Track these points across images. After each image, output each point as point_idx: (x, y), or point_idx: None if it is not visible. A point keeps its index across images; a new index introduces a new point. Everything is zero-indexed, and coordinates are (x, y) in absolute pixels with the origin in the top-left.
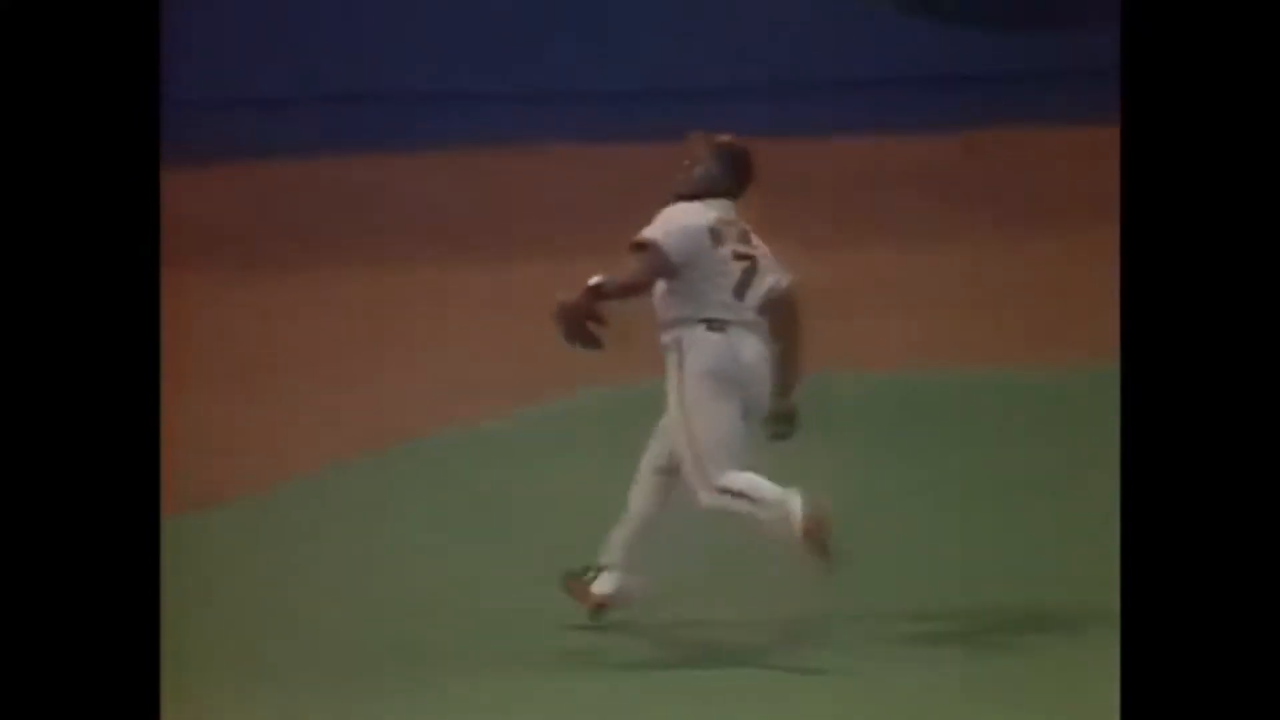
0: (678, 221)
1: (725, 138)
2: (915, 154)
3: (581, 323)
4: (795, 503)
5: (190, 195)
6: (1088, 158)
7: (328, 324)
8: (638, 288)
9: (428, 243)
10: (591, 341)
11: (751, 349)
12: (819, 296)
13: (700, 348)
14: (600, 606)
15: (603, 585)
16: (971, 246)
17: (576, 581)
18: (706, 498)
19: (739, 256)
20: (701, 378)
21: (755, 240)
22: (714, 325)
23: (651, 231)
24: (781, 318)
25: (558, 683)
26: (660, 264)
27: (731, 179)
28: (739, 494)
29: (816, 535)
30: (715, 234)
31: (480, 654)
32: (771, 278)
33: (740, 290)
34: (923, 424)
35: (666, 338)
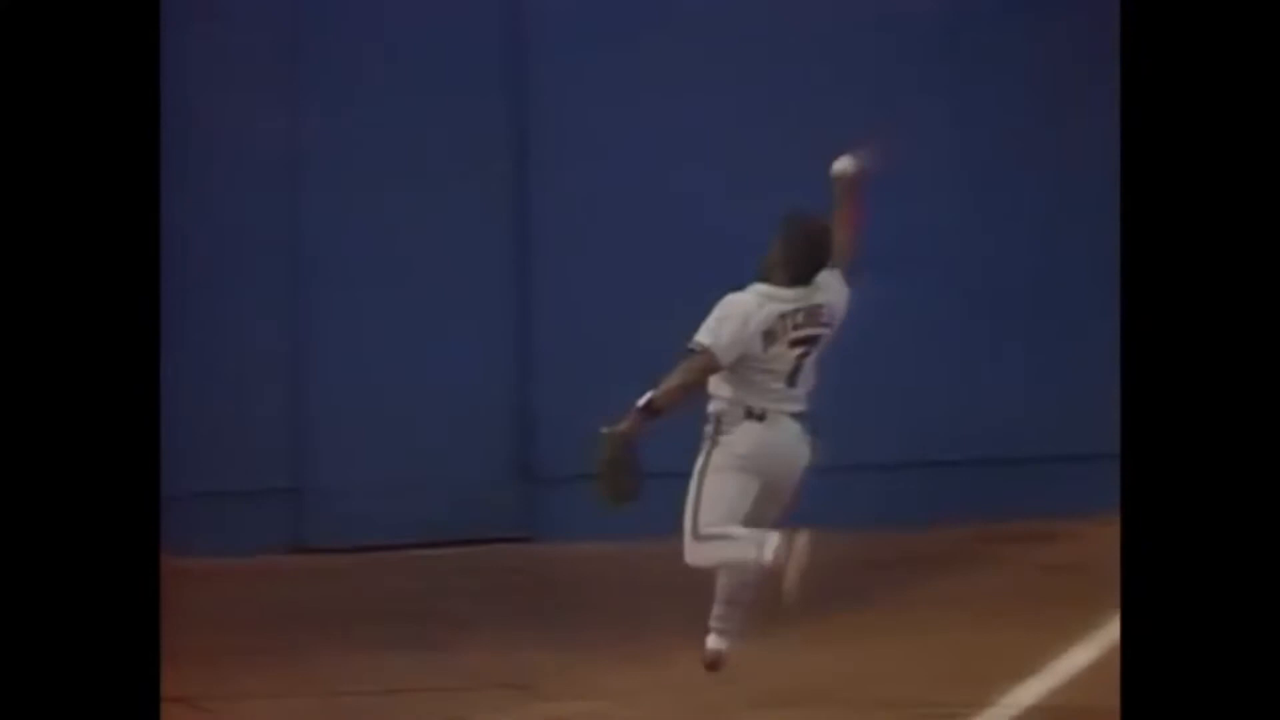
0: (732, 326)
1: (811, 219)
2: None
3: (622, 474)
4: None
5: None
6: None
7: None
8: (689, 390)
9: None
10: (628, 495)
11: (788, 437)
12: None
13: (736, 432)
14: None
15: (711, 642)
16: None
17: None
18: (691, 554)
19: (797, 343)
20: (730, 456)
21: (826, 312)
22: (753, 414)
23: (705, 336)
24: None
25: None
26: (711, 367)
27: (804, 262)
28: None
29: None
30: (769, 335)
31: None
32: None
33: (793, 377)
34: None
35: (710, 408)
